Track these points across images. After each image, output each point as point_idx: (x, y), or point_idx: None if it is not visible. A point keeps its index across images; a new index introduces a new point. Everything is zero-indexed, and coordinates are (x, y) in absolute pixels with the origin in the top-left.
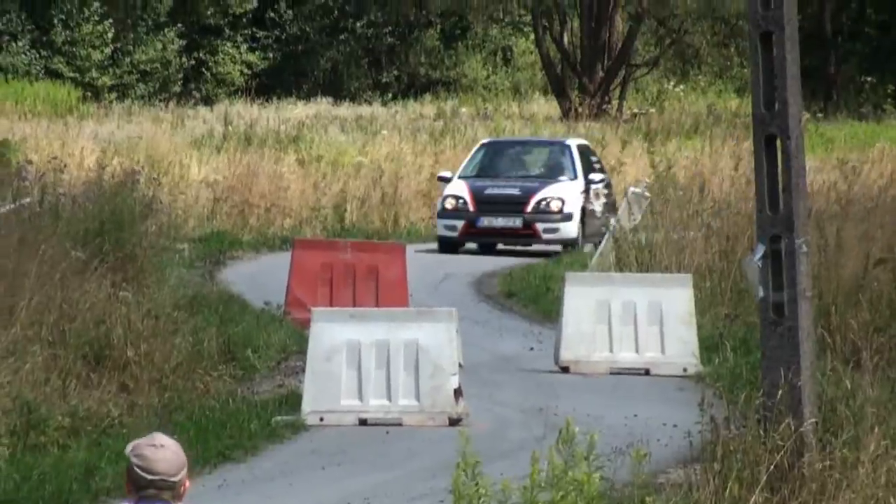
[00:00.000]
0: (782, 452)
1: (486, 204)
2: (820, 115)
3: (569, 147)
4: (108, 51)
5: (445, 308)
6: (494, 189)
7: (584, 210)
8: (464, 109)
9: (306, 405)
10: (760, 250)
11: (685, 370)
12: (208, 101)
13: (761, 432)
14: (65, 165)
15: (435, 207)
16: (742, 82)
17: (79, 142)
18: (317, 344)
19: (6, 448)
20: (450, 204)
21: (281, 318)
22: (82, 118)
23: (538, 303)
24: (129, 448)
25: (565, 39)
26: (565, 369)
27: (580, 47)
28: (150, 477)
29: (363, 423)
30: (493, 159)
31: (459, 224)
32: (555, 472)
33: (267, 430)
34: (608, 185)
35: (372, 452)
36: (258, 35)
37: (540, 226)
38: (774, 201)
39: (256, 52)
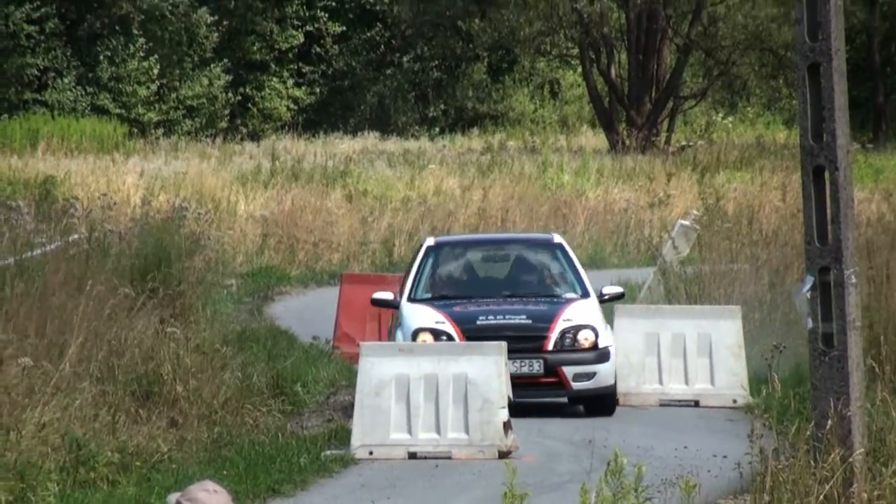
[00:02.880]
0: (832, 483)
1: (482, 340)
2: (869, 145)
3: (562, 247)
4: (153, 87)
5: (494, 342)
6: (489, 317)
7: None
8: (511, 143)
9: (356, 439)
10: (809, 281)
11: (735, 401)
12: (255, 136)
13: (811, 462)
14: (114, 203)
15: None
16: (790, 114)
17: (125, 178)
18: (365, 378)
19: (56, 484)
20: (425, 342)
21: (329, 352)
22: (128, 154)
23: None
24: (175, 496)
25: (612, 72)
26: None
27: (628, 80)
28: None
29: (412, 456)
30: (452, 270)
31: None
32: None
33: (316, 464)
34: (618, 299)
35: (421, 486)
36: (304, 70)
37: (568, 370)
38: (823, 232)
39: (303, 88)
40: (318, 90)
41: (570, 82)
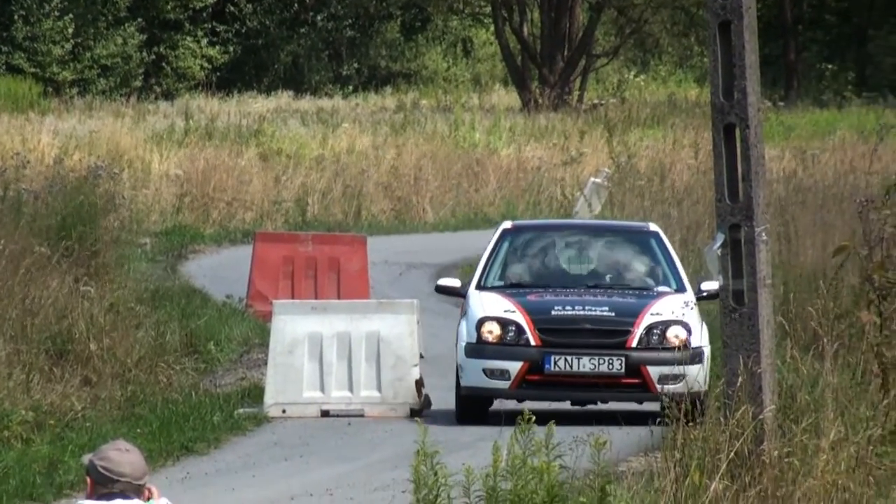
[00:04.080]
0: (742, 440)
1: (557, 333)
2: (780, 103)
3: (657, 236)
4: (68, 46)
5: (406, 300)
6: (566, 307)
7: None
8: (424, 101)
9: (269, 397)
10: (720, 239)
11: None
12: (169, 95)
13: (721, 420)
14: (27, 161)
15: (458, 339)
16: (702, 71)
17: (40, 137)
18: (278, 336)
19: None
20: (491, 333)
21: (243, 311)
22: (43, 113)
23: None
24: (88, 456)
25: (525, 30)
26: None
27: (540, 38)
28: (115, 479)
29: (325, 414)
30: (532, 257)
31: (513, 368)
32: (514, 462)
33: (230, 422)
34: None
35: (334, 444)
36: (218, 29)
37: (654, 371)
38: (734, 190)
39: (217, 47)
40: (231, 49)
41: (483, 41)
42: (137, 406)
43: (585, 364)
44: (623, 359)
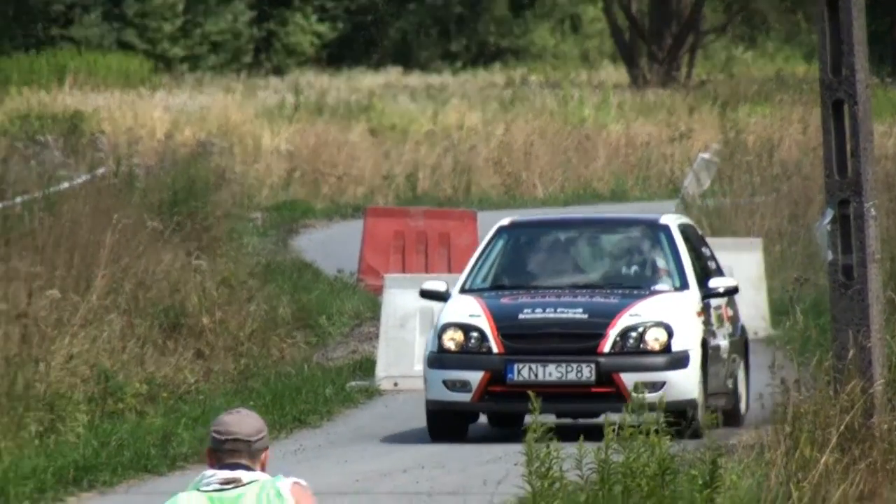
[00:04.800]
0: (852, 413)
1: (521, 339)
2: (888, 79)
3: (666, 230)
4: (178, 22)
5: None
6: (536, 310)
7: (704, 345)
8: (533, 77)
9: (380, 371)
10: (829, 214)
11: (756, 333)
12: (279, 71)
13: (831, 394)
14: (139, 137)
15: (424, 347)
16: (810, 48)
17: (151, 112)
18: (390, 310)
19: (85, 415)
20: (452, 340)
21: (354, 285)
22: (154, 89)
23: None
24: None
25: (633, 6)
26: None
27: (648, 14)
28: (224, 437)
29: None
30: (525, 256)
31: (474, 378)
32: (626, 435)
33: (342, 395)
34: (731, 294)
35: None
36: (328, 6)
37: (628, 378)
38: (843, 166)
39: (326, 23)
40: (341, 25)
41: (591, 17)
42: (250, 379)
43: (552, 372)
44: (593, 365)
